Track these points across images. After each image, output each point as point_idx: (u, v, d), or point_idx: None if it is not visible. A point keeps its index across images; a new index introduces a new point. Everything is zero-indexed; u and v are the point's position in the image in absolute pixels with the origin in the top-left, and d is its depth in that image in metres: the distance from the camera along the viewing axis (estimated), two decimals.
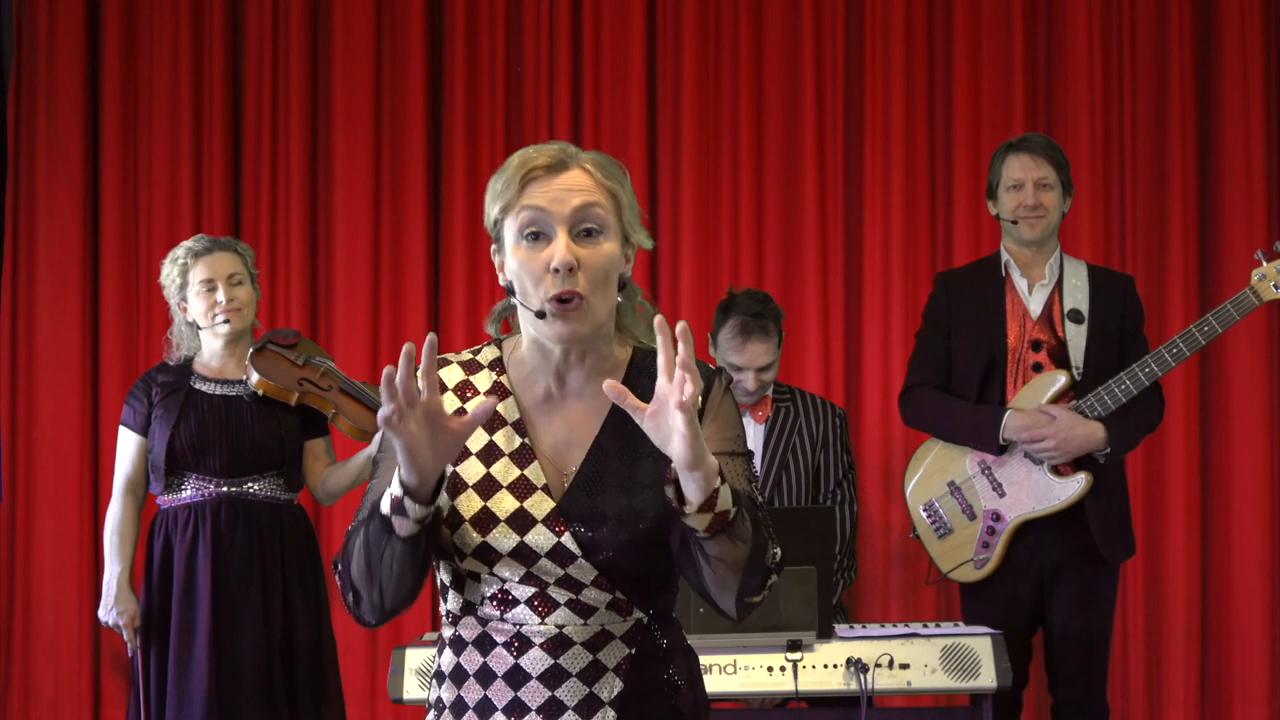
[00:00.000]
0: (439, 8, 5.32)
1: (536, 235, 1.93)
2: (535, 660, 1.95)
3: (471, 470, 1.97)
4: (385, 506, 1.86)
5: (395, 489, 1.84)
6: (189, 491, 3.85)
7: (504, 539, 1.93)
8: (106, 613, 3.86)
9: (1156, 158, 5.08)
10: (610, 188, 1.97)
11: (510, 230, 1.96)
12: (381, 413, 1.77)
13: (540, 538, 1.93)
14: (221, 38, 5.28)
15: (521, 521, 1.93)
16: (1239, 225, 5.01)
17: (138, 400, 3.90)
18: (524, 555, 1.93)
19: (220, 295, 3.89)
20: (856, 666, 3.51)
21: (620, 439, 1.98)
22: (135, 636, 3.84)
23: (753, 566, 1.91)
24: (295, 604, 3.89)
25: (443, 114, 5.28)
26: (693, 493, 1.81)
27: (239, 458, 3.86)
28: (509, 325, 2.09)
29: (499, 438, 1.99)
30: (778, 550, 1.97)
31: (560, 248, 1.90)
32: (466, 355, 2.07)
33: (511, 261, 1.95)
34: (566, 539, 1.93)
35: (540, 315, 1.91)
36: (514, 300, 1.98)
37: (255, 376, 3.85)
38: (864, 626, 3.80)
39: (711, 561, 1.89)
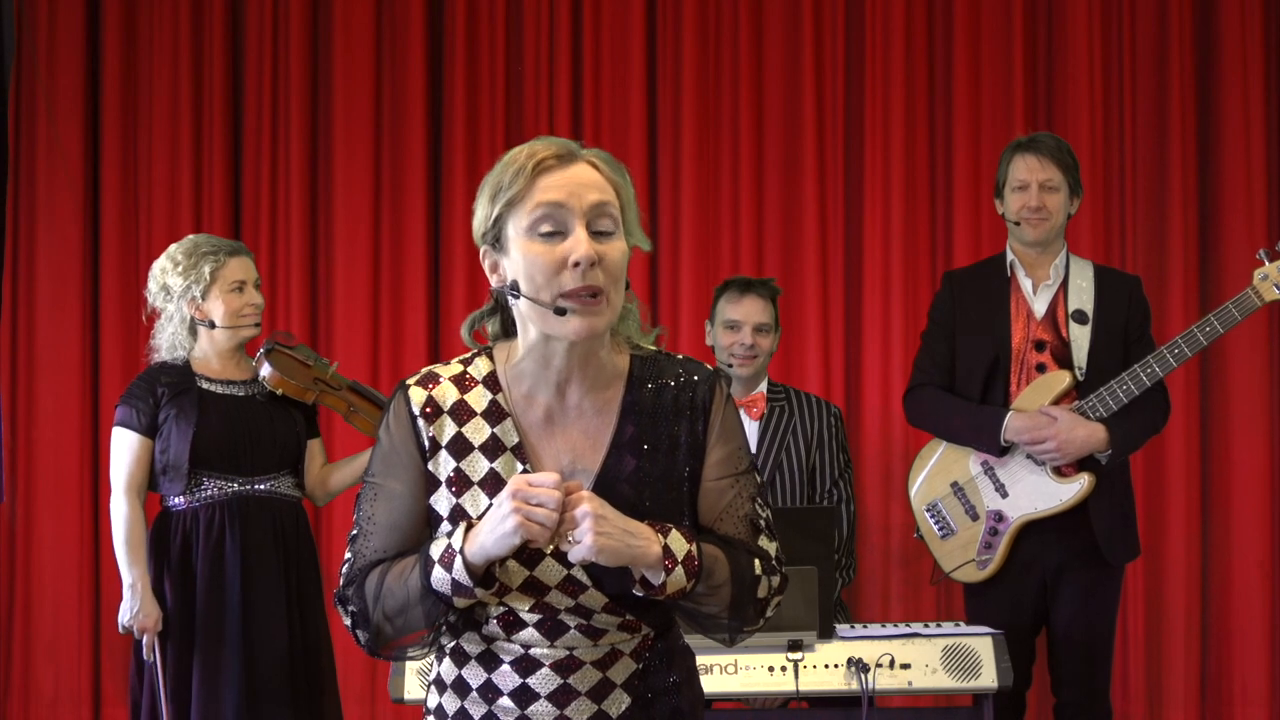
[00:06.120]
0: (439, 8, 5.31)
1: (551, 231, 1.87)
2: (543, 680, 1.94)
3: (475, 504, 1.93)
4: (443, 587, 1.85)
5: (461, 576, 1.84)
6: (208, 491, 3.81)
7: (514, 575, 1.90)
8: (131, 619, 3.75)
9: (1156, 158, 5.08)
10: (616, 183, 1.93)
11: (518, 226, 1.89)
12: (550, 521, 1.80)
13: (550, 571, 1.91)
14: (221, 38, 5.28)
15: (530, 556, 1.90)
16: (1239, 225, 5.01)
17: (140, 400, 3.81)
18: (534, 588, 1.91)
19: (254, 298, 3.88)
20: (857, 666, 3.51)
21: (628, 461, 1.95)
22: (155, 643, 3.77)
23: (736, 610, 1.94)
24: (307, 601, 3.89)
25: (443, 114, 5.28)
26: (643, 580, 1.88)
27: (262, 457, 3.84)
28: (481, 336, 2.04)
29: (500, 465, 1.94)
30: (776, 578, 1.98)
31: (582, 242, 1.86)
32: (457, 368, 2.00)
33: (519, 258, 1.89)
34: (576, 571, 1.91)
35: (560, 312, 1.86)
36: (515, 302, 1.92)
37: (273, 376, 3.85)
38: (865, 626, 3.79)
39: (682, 612, 1.94)
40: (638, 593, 1.88)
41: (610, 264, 1.88)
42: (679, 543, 1.87)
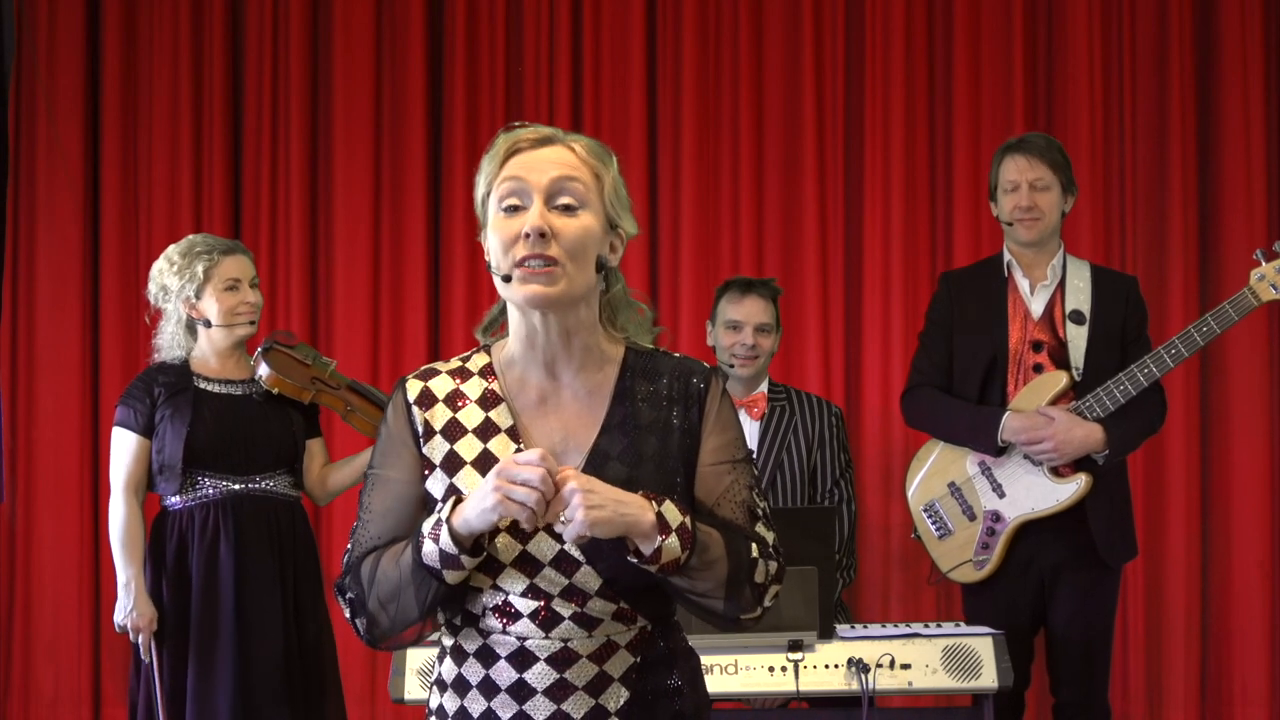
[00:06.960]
0: (439, 8, 5.32)
1: (515, 207, 1.93)
2: (540, 675, 1.94)
3: (469, 481, 1.95)
4: (433, 561, 1.87)
5: (448, 546, 1.85)
6: (204, 491, 3.82)
7: (506, 549, 1.92)
8: (125, 617, 3.76)
9: (1156, 158, 5.08)
10: (594, 166, 1.98)
11: (492, 204, 1.97)
12: (531, 500, 1.80)
13: (543, 546, 1.92)
14: (221, 38, 5.28)
15: (523, 530, 1.91)
16: (1239, 225, 5.01)
17: (138, 400, 3.83)
18: (527, 565, 1.92)
19: (249, 296, 3.89)
20: (858, 667, 3.51)
21: (619, 440, 1.97)
22: (152, 642, 3.77)
23: (732, 589, 1.93)
24: (305, 601, 3.90)
25: (443, 114, 5.28)
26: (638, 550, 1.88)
27: (256, 455, 3.85)
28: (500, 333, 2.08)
29: (494, 445, 1.97)
30: (774, 564, 1.98)
31: (533, 214, 1.91)
32: (456, 363, 2.06)
33: (490, 235, 1.96)
34: (570, 546, 1.92)
35: (506, 279, 1.92)
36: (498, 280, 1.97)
37: (270, 375, 3.86)
38: (865, 626, 3.79)
39: (678, 591, 1.93)
40: (632, 560, 1.88)
41: (566, 237, 1.92)
42: (673, 513, 1.89)
